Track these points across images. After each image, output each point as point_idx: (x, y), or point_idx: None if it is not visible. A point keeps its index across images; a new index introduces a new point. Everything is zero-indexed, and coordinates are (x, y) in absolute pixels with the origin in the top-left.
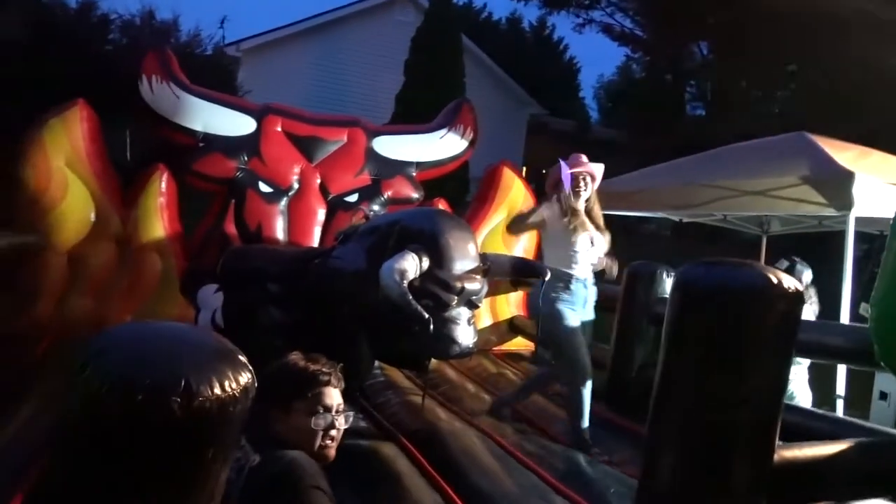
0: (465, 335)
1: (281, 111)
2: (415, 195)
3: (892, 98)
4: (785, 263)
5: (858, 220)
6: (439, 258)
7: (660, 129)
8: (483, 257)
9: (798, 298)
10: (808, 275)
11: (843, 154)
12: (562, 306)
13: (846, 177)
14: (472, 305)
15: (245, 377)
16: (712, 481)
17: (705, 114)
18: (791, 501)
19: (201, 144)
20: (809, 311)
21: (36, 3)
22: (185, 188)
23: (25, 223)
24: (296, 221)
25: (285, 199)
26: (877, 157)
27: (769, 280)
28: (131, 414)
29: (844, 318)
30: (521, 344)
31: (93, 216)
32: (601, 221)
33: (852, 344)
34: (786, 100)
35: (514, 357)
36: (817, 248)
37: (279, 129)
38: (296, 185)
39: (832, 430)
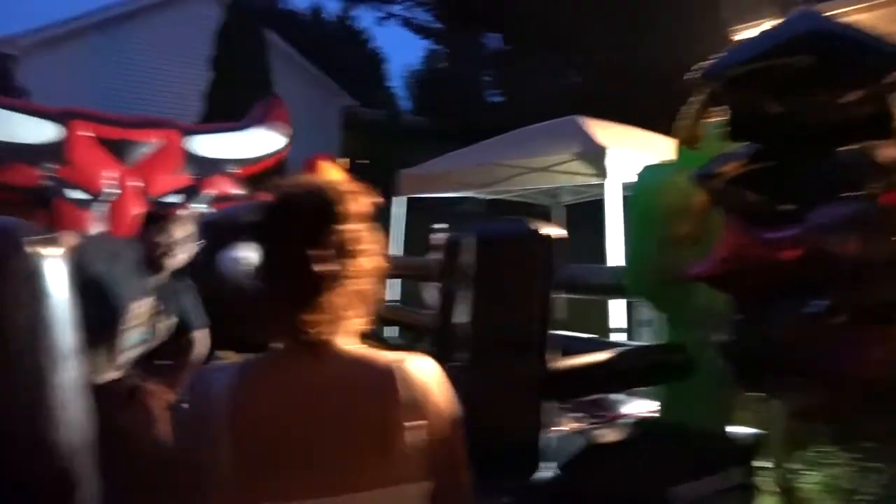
0: None
1: (87, 115)
2: (237, 192)
3: (654, 82)
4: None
5: (627, 186)
6: None
7: (465, 115)
8: None
9: (552, 241)
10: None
11: (604, 131)
12: None
13: (601, 151)
14: None
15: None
16: (501, 384)
17: (503, 100)
18: (568, 396)
19: None
20: None
21: None
22: None
23: None
24: (115, 226)
25: (101, 204)
26: (633, 133)
27: (529, 229)
28: None
29: None
30: None
31: None
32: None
33: (615, 281)
34: (571, 85)
35: None
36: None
37: (87, 133)
38: (111, 190)
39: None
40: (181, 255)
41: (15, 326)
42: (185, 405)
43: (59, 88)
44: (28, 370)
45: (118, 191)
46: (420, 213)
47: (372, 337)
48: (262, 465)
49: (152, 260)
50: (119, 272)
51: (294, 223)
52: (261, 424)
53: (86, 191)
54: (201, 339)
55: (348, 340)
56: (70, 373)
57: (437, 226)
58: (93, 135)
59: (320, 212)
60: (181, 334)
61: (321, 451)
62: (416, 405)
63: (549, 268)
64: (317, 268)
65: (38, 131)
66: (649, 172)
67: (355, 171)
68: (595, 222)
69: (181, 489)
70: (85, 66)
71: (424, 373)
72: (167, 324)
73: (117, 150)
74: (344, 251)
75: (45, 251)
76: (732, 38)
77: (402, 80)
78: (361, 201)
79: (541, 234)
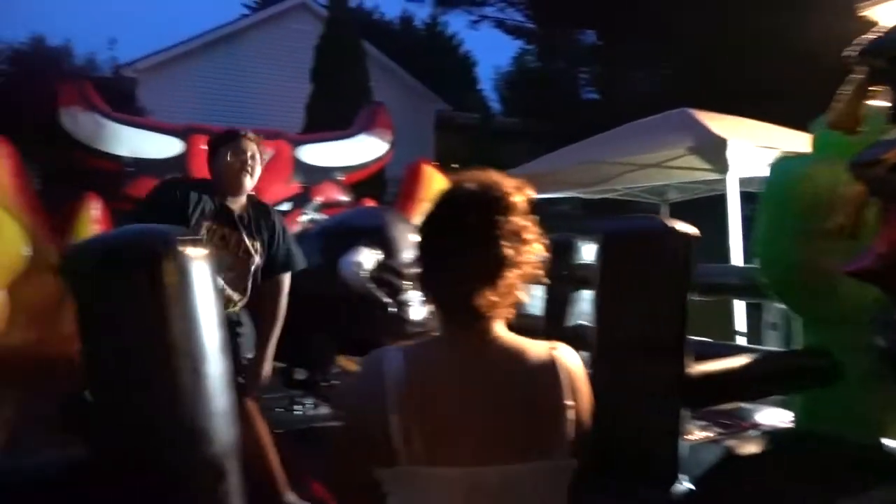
0: (418, 315)
1: (205, 130)
2: (343, 198)
3: (760, 73)
4: None
5: (743, 181)
6: (389, 249)
7: (558, 114)
8: None
9: (690, 239)
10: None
11: (720, 123)
12: None
13: (721, 143)
14: None
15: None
16: (640, 388)
17: (599, 96)
18: (706, 404)
19: (129, 169)
20: None
21: None
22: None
23: None
24: None
25: None
26: (749, 124)
27: (668, 225)
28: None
29: None
30: None
31: (27, 251)
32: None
33: (746, 281)
34: (666, 78)
35: None
36: (713, 210)
37: (206, 147)
38: None
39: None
40: (257, 173)
41: (171, 321)
42: (357, 383)
43: (174, 105)
44: (182, 362)
45: None
46: None
47: None
48: (433, 437)
49: (229, 182)
50: (200, 197)
51: (479, 212)
52: (432, 401)
53: None
54: (286, 283)
55: (503, 327)
56: (218, 366)
57: None
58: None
59: (498, 202)
60: (268, 276)
61: (489, 425)
62: (570, 388)
63: (688, 267)
64: (503, 250)
65: (164, 147)
66: (786, 164)
67: (451, 174)
68: (700, 219)
69: (352, 462)
70: (196, 83)
71: (572, 361)
72: (253, 248)
73: None
74: (517, 238)
75: (193, 252)
76: (861, 15)
77: (494, 82)
78: (525, 196)
79: (679, 231)
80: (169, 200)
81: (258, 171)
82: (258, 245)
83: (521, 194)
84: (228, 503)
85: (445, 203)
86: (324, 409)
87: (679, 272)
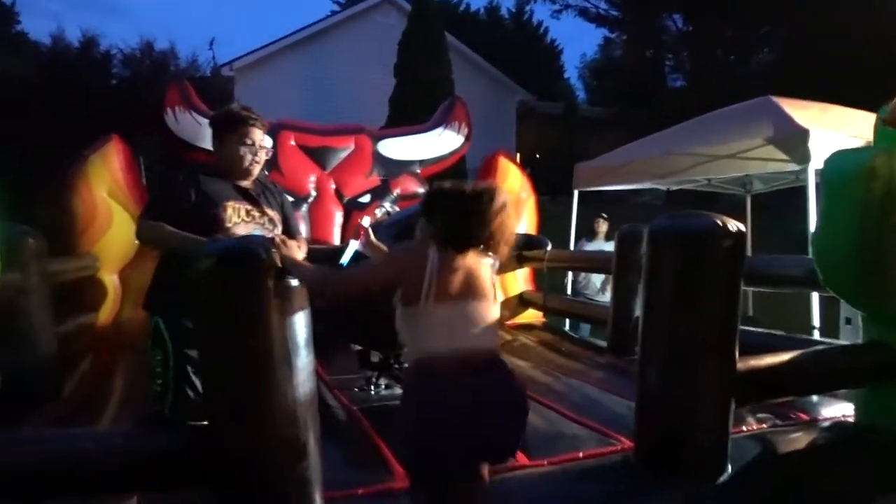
0: None
1: (292, 126)
2: (421, 190)
3: (867, 48)
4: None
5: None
6: None
7: (644, 102)
8: None
9: (741, 237)
10: None
11: (803, 112)
12: None
13: (802, 134)
14: None
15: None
16: (689, 384)
17: (686, 84)
18: (754, 399)
19: None
20: None
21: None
22: None
23: (80, 250)
24: (317, 224)
25: (305, 205)
26: (836, 112)
27: (717, 224)
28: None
29: None
30: (531, 316)
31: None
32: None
33: (807, 273)
34: (764, 62)
35: (526, 328)
36: (798, 201)
37: (293, 142)
38: (313, 193)
39: (788, 345)
40: (262, 159)
41: (271, 317)
42: (413, 247)
43: (267, 102)
44: (277, 353)
45: (316, 193)
46: (600, 206)
47: (548, 329)
48: (440, 288)
49: (238, 169)
50: (211, 180)
51: (476, 200)
52: (445, 273)
53: (294, 195)
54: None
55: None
56: (304, 358)
57: (603, 215)
58: (296, 143)
59: (484, 193)
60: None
61: (463, 286)
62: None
63: (738, 263)
64: (488, 217)
65: None
66: (846, 157)
67: (531, 164)
68: (786, 210)
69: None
70: (288, 80)
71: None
72: (275, 217)
73: (318, 156)
74: (496, 212)
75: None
76: None
77: (578, 71)
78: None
79: (727, 228)
80: (184, 186)
81: (263, 157)
82: (276, 215)
83: (500, 192)
84: (308, 479)
85: (453, 192)
86: (397, 389)
87: (727, 269)
